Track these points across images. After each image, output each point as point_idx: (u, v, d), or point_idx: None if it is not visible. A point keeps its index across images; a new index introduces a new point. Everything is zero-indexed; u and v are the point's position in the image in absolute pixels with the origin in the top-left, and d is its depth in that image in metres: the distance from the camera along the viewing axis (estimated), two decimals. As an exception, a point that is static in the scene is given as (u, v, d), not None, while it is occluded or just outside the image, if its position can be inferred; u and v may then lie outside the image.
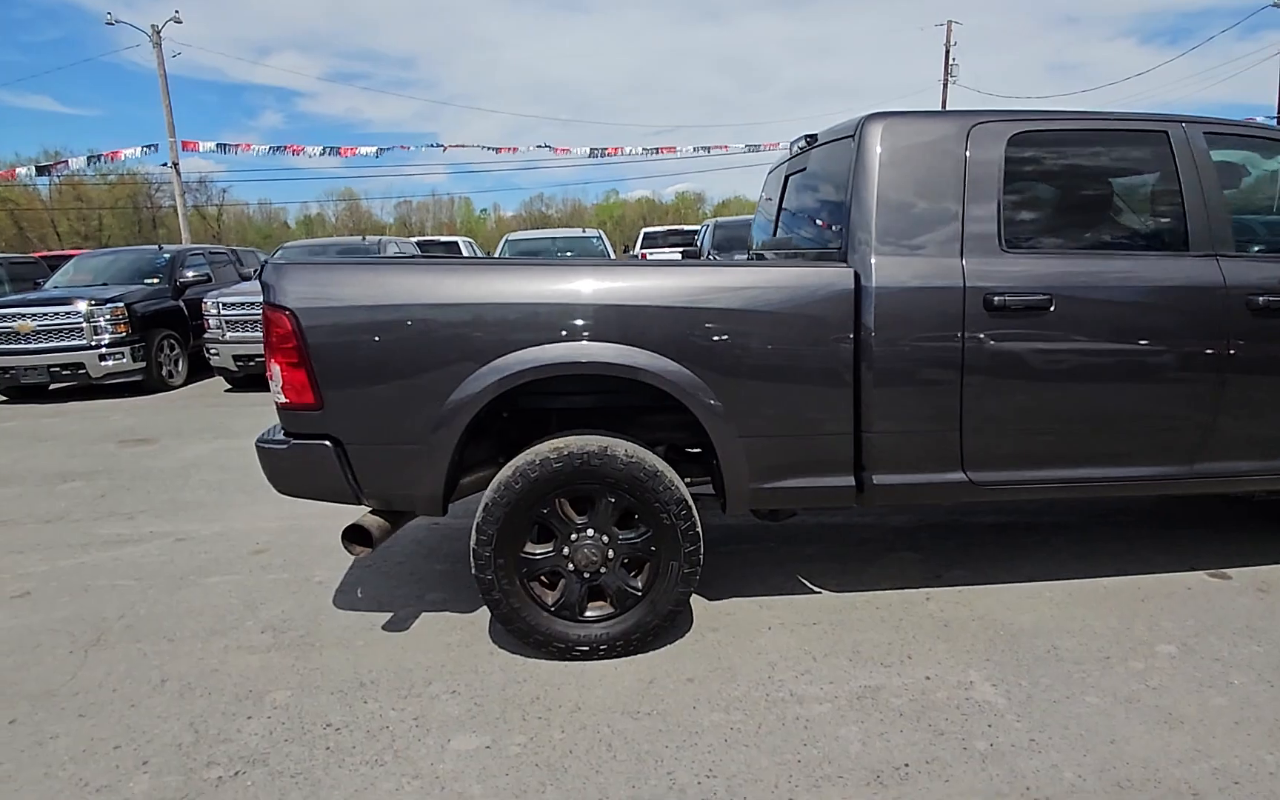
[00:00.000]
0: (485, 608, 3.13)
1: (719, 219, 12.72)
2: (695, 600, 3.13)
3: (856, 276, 2.63)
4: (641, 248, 16.23)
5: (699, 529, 2.67)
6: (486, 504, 2.58)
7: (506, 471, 2.59)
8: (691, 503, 2.66)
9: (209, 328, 8.64)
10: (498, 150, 24.20)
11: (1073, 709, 2.38)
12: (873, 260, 2.63)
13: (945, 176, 2.69)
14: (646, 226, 20.14)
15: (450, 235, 24.76)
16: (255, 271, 10.37)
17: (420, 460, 2.56)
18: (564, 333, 2.51)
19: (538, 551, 2.66)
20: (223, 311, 8.52)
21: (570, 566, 2.66)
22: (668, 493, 2.61)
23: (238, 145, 20.81)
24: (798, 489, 2.74)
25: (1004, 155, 2.72)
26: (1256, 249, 2.99)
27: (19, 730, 2.43)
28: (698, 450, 3.18)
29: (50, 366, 8.36)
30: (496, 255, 10.74)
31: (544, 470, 2.55)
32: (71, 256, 11.85)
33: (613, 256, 12.35)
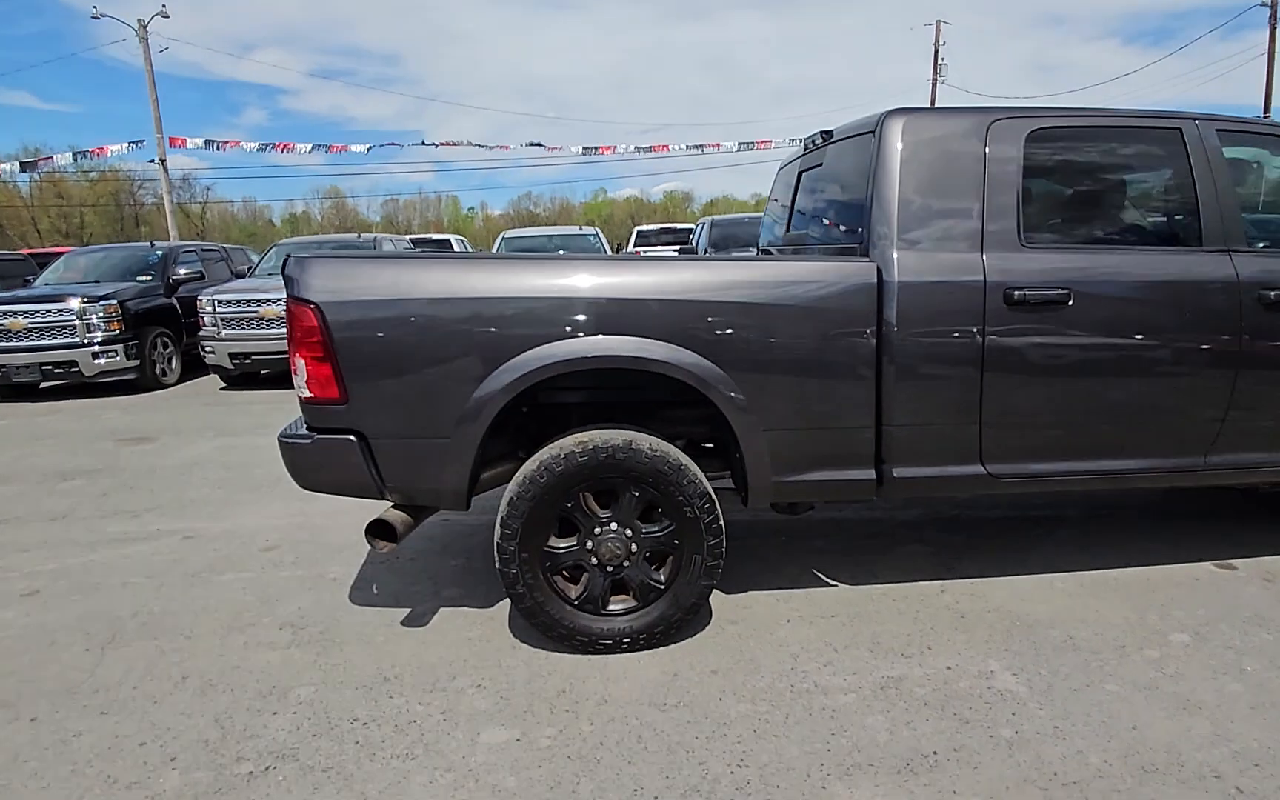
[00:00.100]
0: (504, 603, 3.13)
1: (715, 217, 12.75)
2: (712, 594, 3.15)
3: (878, 271, 2.65)
4: (634, 246, 16.25)
5: (722, 522, 2.69)
6: (511, 498, 2.58)
7: (531, 466, 2.59)
8: (714, 496, 2.68)
9: (204, 325, 8.57)
10: (489, 148, 24.12)
11: (1093, 697, 2.41)
12: (894, 255, 2.66)
13: (965, 172, 2.72)
14: (635, 225, 20.17)
15: (438, 233, 24.69)
16: (250, 268, 10.28)
17: (446, 455, 2.56)
18: (591, 327, 2.52)
19: (561, 545, 2.67)
20: (218, 309, 8.45)
21: (594, 560, 2.67)
22: (691, 486, 2.62)
23: (226, 142, 20.62)
24: (819, 482, 2.76)
25: (1023, 151, 2.75)
26: (1261, 244, 3.04)
27: (41, 728, 2.41)
28: (710, 445, 3.20)
29: (42, 365, 8.26)
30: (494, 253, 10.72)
31: (569, 464, 2.56)
32: (59, 254, 11.69)
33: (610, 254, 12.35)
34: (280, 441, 2.68)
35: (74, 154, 22.58)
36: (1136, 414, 2.84)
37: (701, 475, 2.67)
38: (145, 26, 20.25)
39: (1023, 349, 2.71)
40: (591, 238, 11.21)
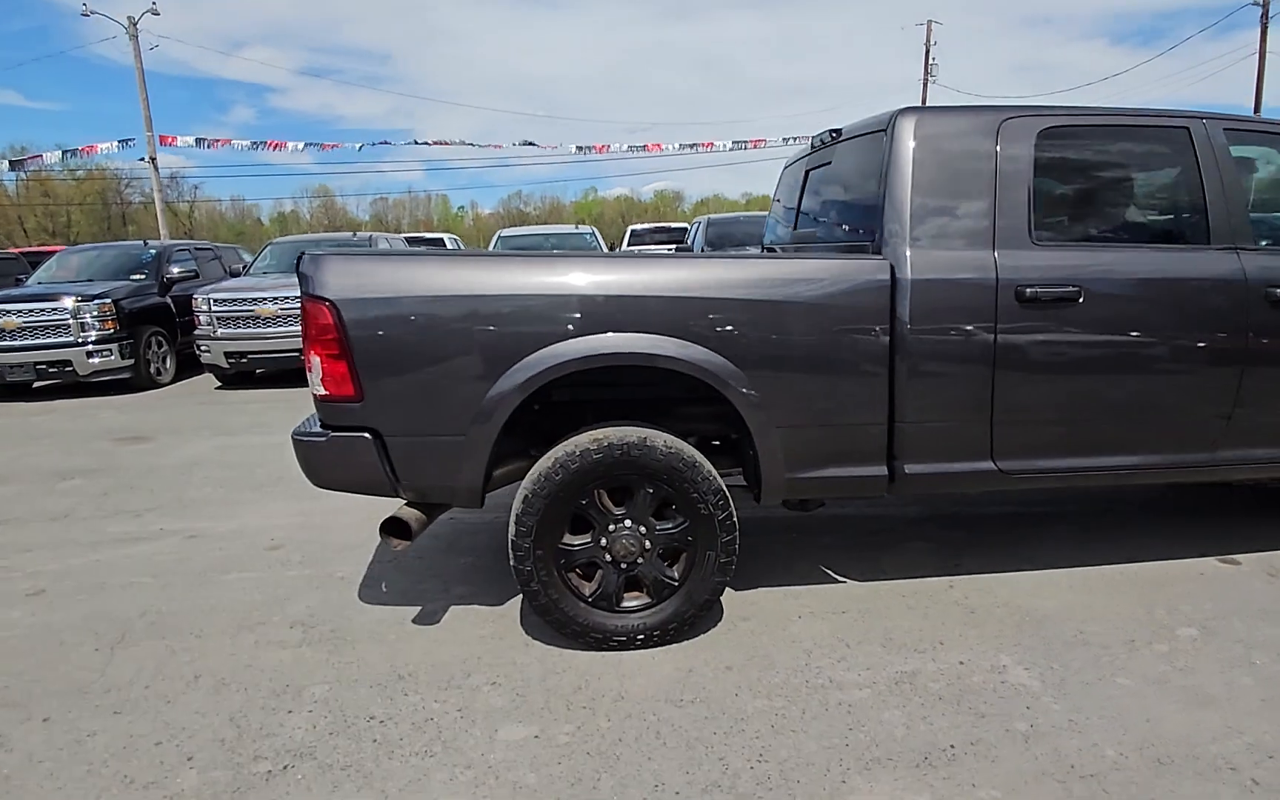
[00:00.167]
0: (514, 601, 3.13)
1: (712, 216, 12.76)
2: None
3: (891, 269, 2.67)
4: (628, 245, 16.23)
5: (735, 519, 2.69)
6: (526, 495, 2.58)
7: (546, 463, 2.59)
8: (728, 493, 2.68)
9: (199, 324, 8.50)
10: (482, 146, 24.01)
11: (1106, 690, 2.44)
12: (907, 253, 2.68)
13: (977, 170, 2.74)
14: (626, 224, 20.14)
15: (427, 232, 24.61)
16: (244, 267, 10.21)
17: (461, 452, 2.56)
18: (608, 324, 2.52)
19: (576, 543, 2.67)
20: (213, 307, 8.39)
21: (608, 557, 2.67)
22: (706, 483, 2.63)
23: (217, 140, 20.46)
24: (831, 479, 2.78)
25: (1033, 150, 2.77)
26: (1264, 243, 3.07)
27: (54, 728, 2.39)
28: (717, 443, 3.21)
29: (36, 364, 8.18)
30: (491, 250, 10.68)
31: (584, 461, 2.56)
32: (51, 252, 11.59)
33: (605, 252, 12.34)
34: (294, 439, 2.67)
35: (63, 152, 22.38)
36: (1145, 410, 2.87)
37: (715, 472, 2.68)
38: (135, 23, 20.08)
39: (1034, 346, 2.73)
40: (588, 237, 11.21)
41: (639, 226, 17.62)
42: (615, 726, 2.31)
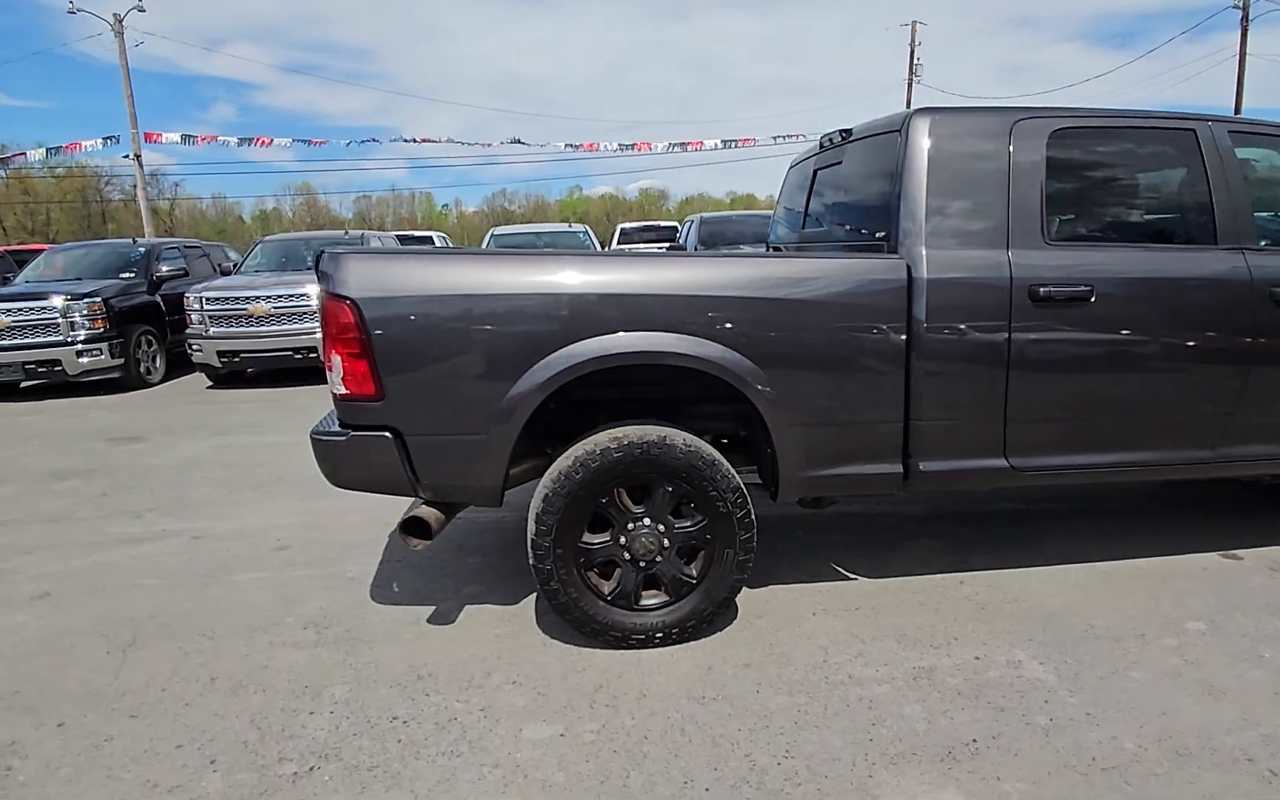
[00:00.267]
0: (529, 599, 3.13)
1: (704, 215, 12.78)
2: (737, 588, 3.17)
3: (907, 268, 2.69)
4: (618, 243, 16.22)
5: (754, 517, 2.71)
6: (546, 494, 2.58)
7: (566, 461, 2.59)
8: (746, 491, 2.70)
9: (191, 323, 8.41)
10: (470, 144, 23.88)
11: (1121, 684, 2.47)
12: (923, 252, 2.70)
13: (991, 170, 2.77)
14: (611, 222, 20.10)
15: (412, 230, 24.41)
16: (235, 266, 10.11)
17: (481, 451, 2.55)
18: (628, 323, 2.53)
19: (595, 541, 2.67)
20: (205, 306, 8.30)
21: (627, 556, 2.68)
22: (725, 481, 2.64)
23: (203, 137, 20.25)
24: (847, 476, 2.80)
25: (1045, 150, 2.81)
26: (1264, 243, 3.13)
27: (70, 733, 2.36)
28: (725, 441, 3.22)
29: (25, 363, 8.05)
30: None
31: (604, 460, 2.56)
32: (38, 251, 11.41)
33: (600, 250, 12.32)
34: (313, 438, 2.65)
35: (47, 150, 22.01)
36: (1153, 408, 2.92)
37: (733, 470, 2.69)
38: (121, 21, 19.80)
39: (1047, 344, 2.77)
40: (581, 235, 11.19)
41: (628, 225, 17.59)
42: (640, 724, 2.32)
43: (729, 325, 2.58)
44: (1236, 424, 2.99)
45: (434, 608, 3.11)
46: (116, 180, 53.21)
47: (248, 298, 8.28)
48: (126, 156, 20.84)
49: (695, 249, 11.58)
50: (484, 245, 11.22)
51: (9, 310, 8.07)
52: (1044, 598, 3.06)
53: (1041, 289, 2.73)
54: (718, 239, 11.52)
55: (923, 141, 2.77)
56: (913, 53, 36.53)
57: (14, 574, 3.59)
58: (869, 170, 3.11)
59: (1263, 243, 3.11)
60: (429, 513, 2.65)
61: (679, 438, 2.61)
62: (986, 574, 3.28)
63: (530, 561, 2.65)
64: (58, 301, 8.12)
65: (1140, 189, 3.10)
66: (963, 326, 2.71)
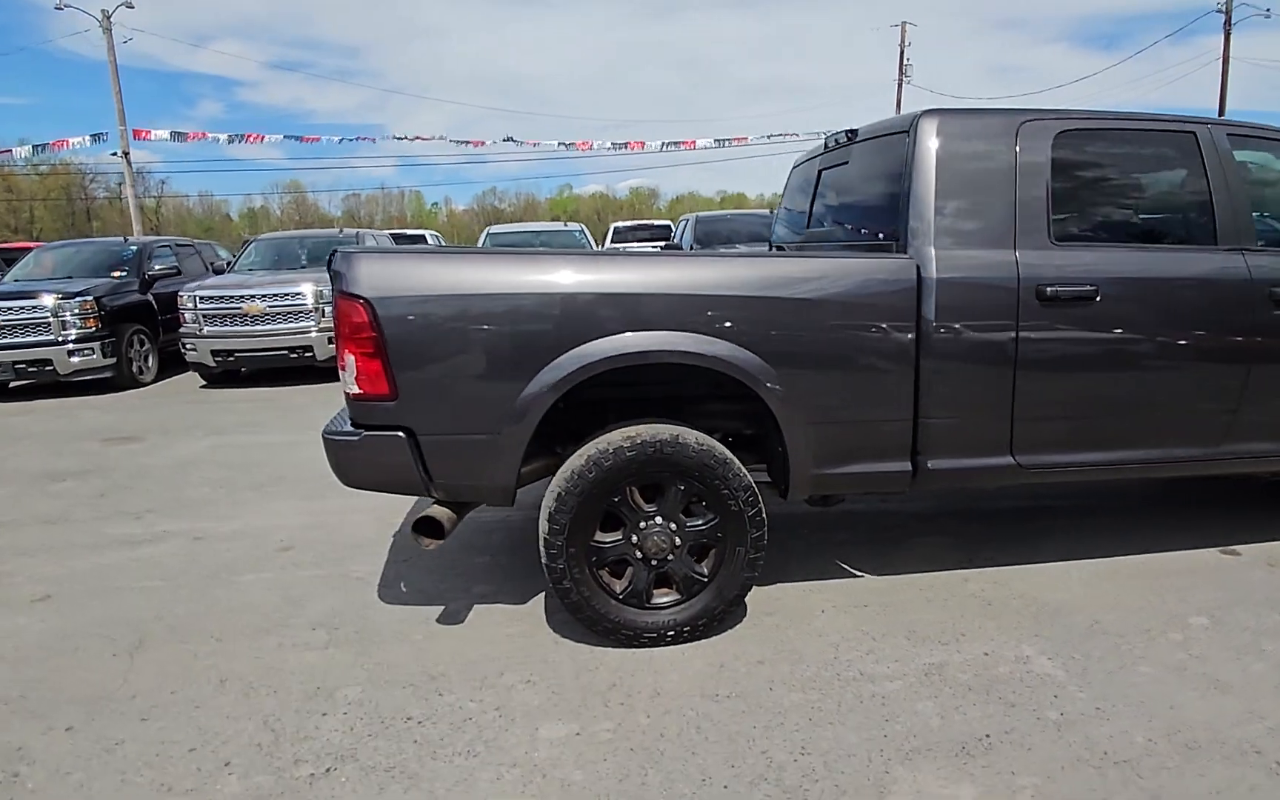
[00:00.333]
0: (539, 598, 3.14)
1: (699, 214, 12.80)
2: (745, 586, 3.18)
3: (916, 268, 2.71)
4: (612, 242, 16.20)
5: (765, 515, 2.72)
6: (559, 493, 2.58)
7: (579, 460, 2.60)
8: (757, 489, 2.71)
9: (185, 322, 8.34)
10: (463, 143, 23.79)
11: (1128, 678, 2.50)
12: (932, 252, 2.72)
13: (998, 171, 2.79)
14: (601, 221, 20.07)
15: (401, 228, 24.30)
16: (229, 264, 10.03)
17: (495, 451, 2.55)
18: (642, 322, 2.53)
19: (607, 540, 2.68)
20: (200, 305, 8.24)
21: (639, 554, 2.68)
22: (736, 479, 2.65)
23: (193, 133, 20.05)
24: (857, 474, 2.82)
25: (1051, 151, 2.83)
26: (1261, 243, 3.17)
27: (79, 737, 2.34)
28: (730, 439, 3.23)
29: (15, 363, 7.96)
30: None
31: (618, 459, 2.57)
32: (26, 249, 11.28)
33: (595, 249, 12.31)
34: (325, 438, 2.64)
35: (33, 148, 21.75)
36: (1155, 406, 2.95)
37: (744, 469, 2.70)
38: (109, 17, 19.57)
39: (1053, 343, 2.80)
40: (577, 234, 11.18)
41: (621, 224, 17.56)
42: (655, 722, 2.33)
43: (742, 324, 2.59)
44: (1238, 421, 3.03)
45: (443, 607, 3.10)
46: (101, 177, 52.71)
47: (243, 296, 8.22)
48: (115, 154, 20.61)
49: (691, 248, 11.60)
50: (481, 244, 11.19)
51: (-1, 309, 7.98)
52: (1049, 594, 3.09)
53: (1049, 289, 2.75)
54: (713, 238, 11.55)
55: (930, 142, 2.79)
56: (902, 53, 36.68)
57: (13, 576, 3.55)
58: (876, 171, 3.13)
59: (1260, 243, 3.16)
60: (441, 512, 2.65)
61: (691, 437, 2.62)
62: (991, 571, 3.31)
63: (543, 560, 2.65)
64: (48, 300, 8.03)
65: (1142, 190, 3.14)
66: (971, 326, 2.73)
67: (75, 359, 8.11)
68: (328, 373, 8.79)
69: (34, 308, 8.01)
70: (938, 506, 4.12)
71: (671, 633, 2.71)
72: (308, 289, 8.27)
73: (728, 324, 2.58)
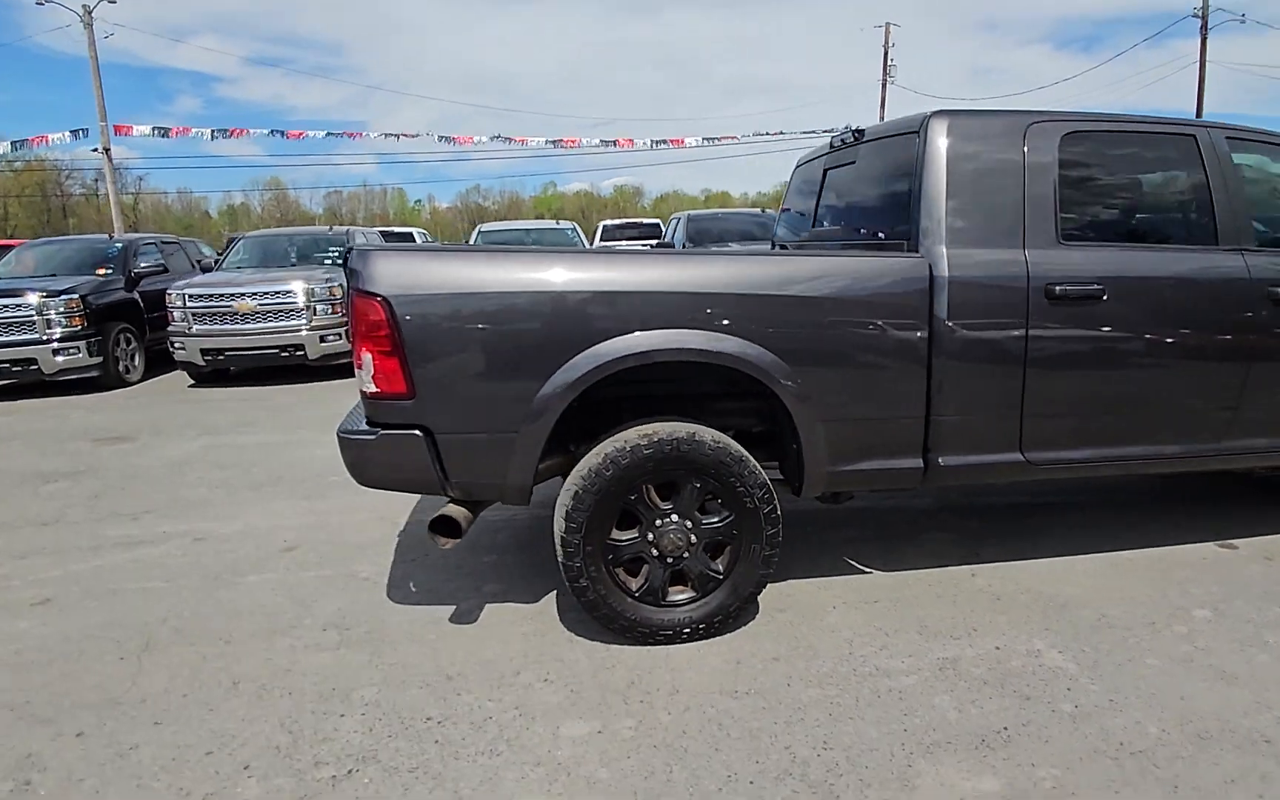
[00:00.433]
0: (550, 597, 3.13)
1: (691, 212, 12.81)
2: (756, 583, 3.19)
3: (929, 267, 2.73)
4: (601, 240, 16.16)
5: (779, 512, 2.73)
6: (576, 492, 2.58)
7: (595, 459, 2.59)
8: (772, 487, 2.72)
9: (173, 320, 8.22)
10: (452, 140, 23.65)
11: (1138, 670, 2.54)
12: (944, 251, 2.74)
13: (1007, 171, 2.83)
14: (587, 219, 20.00)
15: (384, 226, 24.12)
16: (216, 261, 9.90)
17: (512, 449, 2.54)
18: (660, 321, 2.53)
19: (623, 538, 2.68)
20: (189, 303, 8.12)
21: (655, 552, 2.69)
22: (752, 477, 2.66)
23: (176, 129, 19.73)
24: (870, 471, 2.84)
25: (1058, 152, 2.87)
26: (1259, 244, 3.24)
27: (91, 742, 2.30)
28: (738, 438, 3.24)
29: (-1, 362, 7.81)
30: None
31: (634, 457, 2.57)
32: (7, 246, 11.06)
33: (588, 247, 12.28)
34: (340, 437, 2.62)
35: (12, 143, 21.31)
36: (1159, 402, 3.00)
37: (759, 467, 2.71)
38: (91, 12, 19.22)
39: (1062, 341, 2.84)
40: (569, 232, 11.15)
41: (610, 222, 17.51)
42: (676, 719, 2.33)
43: (759, 322, 2.60)
44: (1239, 417, 3.09)
45: (454, 607, 3.09)
46: (78, 174, 51.85)
47: (233, 294, 8.12)
48: (95, 150, 20.27)
49: (683, 246, 11.61)
50: (472, 241, 11.12)
51: (-19, 308, 7.82)
52: (1055, 588, 3.13)
53: (1057, 288, 2.79)
54: (705, 236, 11.57)
55: (941, 142, 2.81)
56: (886, 54, 36.90)
57: (10, 579, 3.49)
58: (885, 170, 3.15)
59: (1258, 243, 3.22)
60: (458, 511, 2.63)
61: (708, 435, 2.62)
62: (997, 566, 3.35)
63: (559, 559, 2.64)
64: (33, 299, 7.89)
65: (1145, 191, 3.19)
66: (983, 325, 2.76)
67: (60, 358, 7.97)
68: (316, 372, 8.72)
69: (18, 306, 7.86)
70: (942, 502, 4.15)
71: (687, 630, 2.72)
72: (299, 287, 8.19)
73: (742, 322, 2.59)
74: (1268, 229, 3.24)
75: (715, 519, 2.71)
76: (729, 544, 2.74)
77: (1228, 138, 3.13)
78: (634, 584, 2.72)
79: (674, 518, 2.67)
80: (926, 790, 2.02)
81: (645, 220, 18.05)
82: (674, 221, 13.33)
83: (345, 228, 10.74)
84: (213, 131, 21.13)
